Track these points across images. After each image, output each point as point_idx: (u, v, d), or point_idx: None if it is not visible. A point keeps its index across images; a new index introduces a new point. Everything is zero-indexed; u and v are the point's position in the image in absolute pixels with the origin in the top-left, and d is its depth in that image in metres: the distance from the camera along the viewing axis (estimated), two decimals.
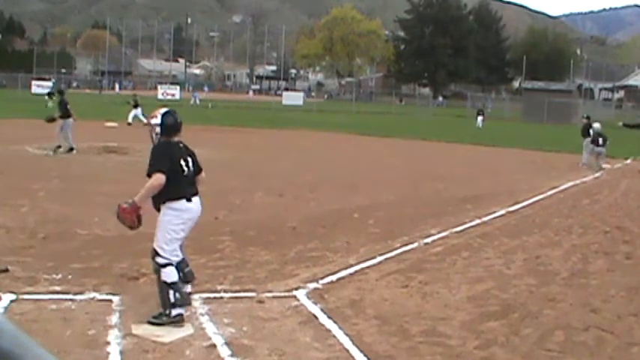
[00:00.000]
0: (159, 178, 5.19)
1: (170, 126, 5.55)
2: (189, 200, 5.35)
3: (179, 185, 5.31)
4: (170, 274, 5.23)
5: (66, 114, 16.88)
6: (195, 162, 5.58)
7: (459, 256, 8.04)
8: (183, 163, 5.42)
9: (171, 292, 5.20)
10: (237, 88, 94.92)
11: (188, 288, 5.50)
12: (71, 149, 16.95)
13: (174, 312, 5.20)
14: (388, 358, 4.81)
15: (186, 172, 5.41)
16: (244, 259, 7.35)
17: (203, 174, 5.72)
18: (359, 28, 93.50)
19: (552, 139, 24.70)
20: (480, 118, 40.17)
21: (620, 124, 22.49)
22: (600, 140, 19.58)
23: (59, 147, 16.80)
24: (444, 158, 21.72)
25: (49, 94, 35.24)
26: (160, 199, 5.29)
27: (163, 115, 5.60)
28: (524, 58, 78.74)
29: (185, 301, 5.29)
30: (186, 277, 5.43)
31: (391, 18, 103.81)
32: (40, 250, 7.34)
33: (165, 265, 5.24)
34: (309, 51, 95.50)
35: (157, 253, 5.26)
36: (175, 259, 5.28)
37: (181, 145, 5.57)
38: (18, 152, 16.97)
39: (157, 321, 5.19)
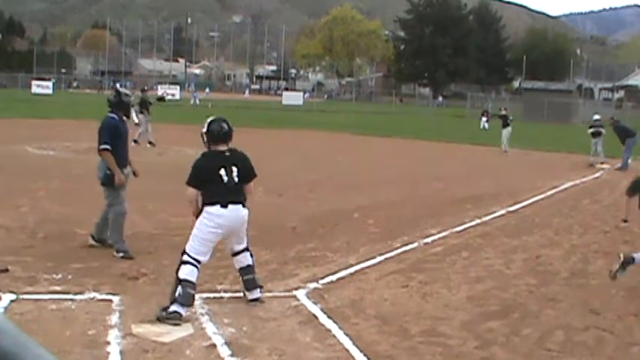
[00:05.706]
0: (190, 195, 5.64)
1: (213, 134, 5.73)
2: (224, 206, 5.51)
3: (215, 192, 5.55)
4: (185, 271, 5.40)
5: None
6: (242, 171, 5.68)
7: (458, 256, 8.04)
8: (222, 172, 5.57)
9: (179, 287, 5.32)
10: (237, 88, 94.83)
11: (254, 294, 5.77)
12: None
13: (172, 308, 5.26)
14: (388, 358, 4.81)
15: (226, 181, 5.57)
16: None
17: (251, 184, 5.83)
18: (359, 28, 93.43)
19: (552, 139, 24.67)
20: (484, 119, 38.85)
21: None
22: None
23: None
24: (444, 158, 21.71)
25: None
26: (202, 205, 5.62)
27: (209, 123, 5.81)
28: (524, 58, 78.72)
29: (186, 301, 5.32)
30: (245, 285, 5.82)
31: (391, 18, 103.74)
32: (40, 250, 7.34)
33: (185, 263, 5.44)
34: (309, 51, 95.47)
35: (184, 251, 5.51)
36: (202, 259, 5.49)
37: (227, 153, 5.69)
38: (18, 152, 16.96)
39: (158, 315, 5.27)
